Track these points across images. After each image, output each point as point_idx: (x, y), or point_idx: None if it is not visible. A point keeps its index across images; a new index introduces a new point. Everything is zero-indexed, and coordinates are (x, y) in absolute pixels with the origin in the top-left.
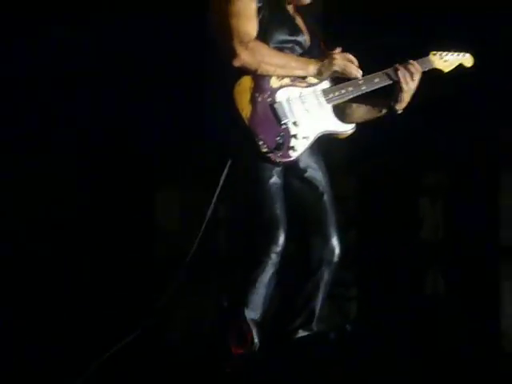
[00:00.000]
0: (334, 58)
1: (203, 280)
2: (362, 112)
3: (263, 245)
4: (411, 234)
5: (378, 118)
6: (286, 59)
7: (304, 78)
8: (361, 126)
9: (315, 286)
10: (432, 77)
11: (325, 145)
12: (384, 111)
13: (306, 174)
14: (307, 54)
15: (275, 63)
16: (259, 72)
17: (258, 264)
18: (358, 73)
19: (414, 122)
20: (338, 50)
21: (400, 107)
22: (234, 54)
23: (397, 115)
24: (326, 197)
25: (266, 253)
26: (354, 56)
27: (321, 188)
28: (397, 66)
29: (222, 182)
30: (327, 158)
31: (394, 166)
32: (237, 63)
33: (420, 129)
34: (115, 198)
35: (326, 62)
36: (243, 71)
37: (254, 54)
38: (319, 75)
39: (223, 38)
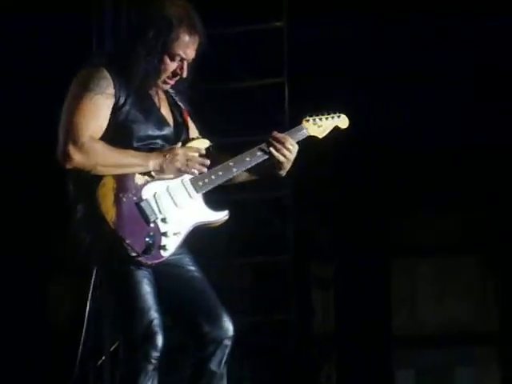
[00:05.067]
0: (176, 154)
1: None
2: (245, 175)
3: (143, 352)
4: (304, 325)
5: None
6: (123, 158)
7: None
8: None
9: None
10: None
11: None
12: (270, 173)
13: (174, 262)
14: (174, 144)
15: (112, 163)
16: (93, 173)
17: (139, 373)
18: (203, 167)
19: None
20: (179, 145)
21: (284, 173)
22: (66, 156)
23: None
24: (202, 278)
25: (146, 360)
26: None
27: (193, 270)
28: (269, 140)
29: (91, 289)
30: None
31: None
32: (69, 165)
33: (305, 219)
34: None
35: (168, 157)
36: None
37: (88, 155)
38: (161, 171)
39: (60, 137)
